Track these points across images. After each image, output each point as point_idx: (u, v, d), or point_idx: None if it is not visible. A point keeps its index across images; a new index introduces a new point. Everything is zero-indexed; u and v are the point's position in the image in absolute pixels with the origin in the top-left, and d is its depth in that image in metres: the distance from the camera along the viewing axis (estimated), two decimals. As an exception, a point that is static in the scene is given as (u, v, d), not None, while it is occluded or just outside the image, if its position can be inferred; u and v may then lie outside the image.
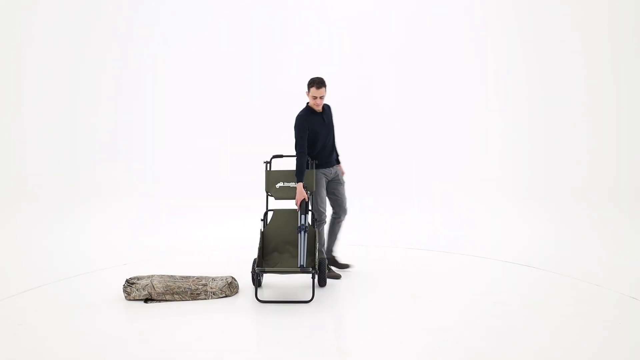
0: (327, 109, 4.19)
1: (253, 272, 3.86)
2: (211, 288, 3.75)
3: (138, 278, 3.78)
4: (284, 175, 4.10)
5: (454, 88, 7.91)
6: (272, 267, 3.80)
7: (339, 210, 4.32)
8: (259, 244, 3.93)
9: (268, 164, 4.23)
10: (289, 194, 4.05)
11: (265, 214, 4.12)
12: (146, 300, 3.68)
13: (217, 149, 7.87)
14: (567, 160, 7.72)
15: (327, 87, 4.00)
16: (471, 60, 7.90)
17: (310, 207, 4.07)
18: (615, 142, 7.74)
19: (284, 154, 4.30)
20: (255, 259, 3.88)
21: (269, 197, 4.18)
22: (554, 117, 7.83)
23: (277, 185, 4.09)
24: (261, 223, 4.09)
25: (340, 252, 4.58)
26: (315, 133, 4.03)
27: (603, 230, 5.74)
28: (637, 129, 7.67)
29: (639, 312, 3.35)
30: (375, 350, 2.82)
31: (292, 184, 4.05)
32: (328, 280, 4.07)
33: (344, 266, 4.36)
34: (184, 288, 3.72)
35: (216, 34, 7.96)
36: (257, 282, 3.83)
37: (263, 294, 3.84)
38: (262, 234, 4.00)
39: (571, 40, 7.74)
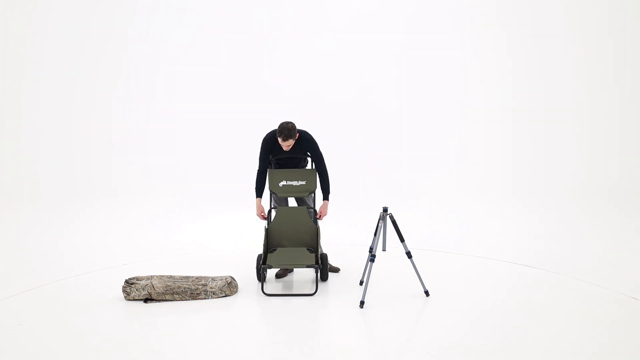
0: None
1: (258, 267, 3.97)
2: (211, 288, 3.75)
3: (137, 278, 3.77)
4: (286, 174, 4.14)
5: (454, 88, 7.92)
6: (276, 262, 3.84)
7: None
8: (264, 240, 4.04)
9: (272, 163, 4.26)
10: (292, 192, 4.13)
11: (269, 212, 4.17)
12: (146, 300, 3.68)
13: (215, 150, 7.88)
14: (567, 160, 7.72)
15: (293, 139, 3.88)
16: (471, 60, 7.91)
17: (313, 205, 4.22)
18: (614, 142, 7.74)
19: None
20: (260, 255, 3.99)
21: (272, 195, 4.22)
22: (554, 117, 7.83)
23: (281, 184, 4.13)
24: (265, 221, 4.16)
25: (339, 252, 4.58)
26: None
27: (603, 230, 5.75)
28: (637, 129, 7.68)
29: (639, 312, 3.35)
30: (377, 349, 2.82)
31: (294, 182, 4.11)
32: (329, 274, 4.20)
33: (335, 269, 4.37)
34: (184, 288, 3.72)
35: (211, 35, 7.96)
36: (262, 277, 3.94)
37: (267, 288, 3.93)
38: (267, 231, 4.08)
39: (571, 40, 7.75)
